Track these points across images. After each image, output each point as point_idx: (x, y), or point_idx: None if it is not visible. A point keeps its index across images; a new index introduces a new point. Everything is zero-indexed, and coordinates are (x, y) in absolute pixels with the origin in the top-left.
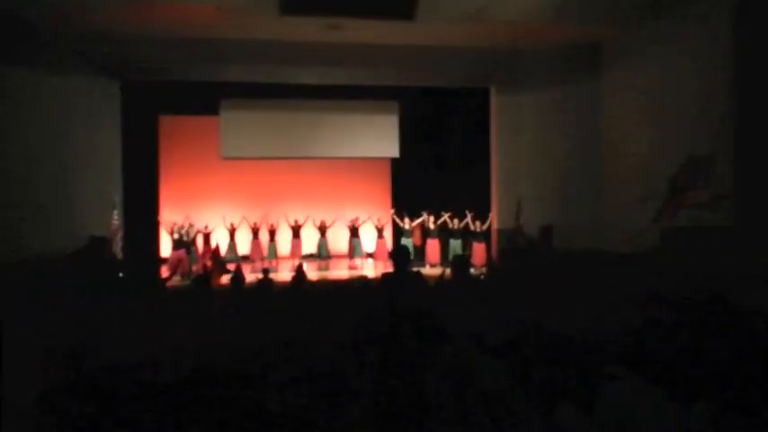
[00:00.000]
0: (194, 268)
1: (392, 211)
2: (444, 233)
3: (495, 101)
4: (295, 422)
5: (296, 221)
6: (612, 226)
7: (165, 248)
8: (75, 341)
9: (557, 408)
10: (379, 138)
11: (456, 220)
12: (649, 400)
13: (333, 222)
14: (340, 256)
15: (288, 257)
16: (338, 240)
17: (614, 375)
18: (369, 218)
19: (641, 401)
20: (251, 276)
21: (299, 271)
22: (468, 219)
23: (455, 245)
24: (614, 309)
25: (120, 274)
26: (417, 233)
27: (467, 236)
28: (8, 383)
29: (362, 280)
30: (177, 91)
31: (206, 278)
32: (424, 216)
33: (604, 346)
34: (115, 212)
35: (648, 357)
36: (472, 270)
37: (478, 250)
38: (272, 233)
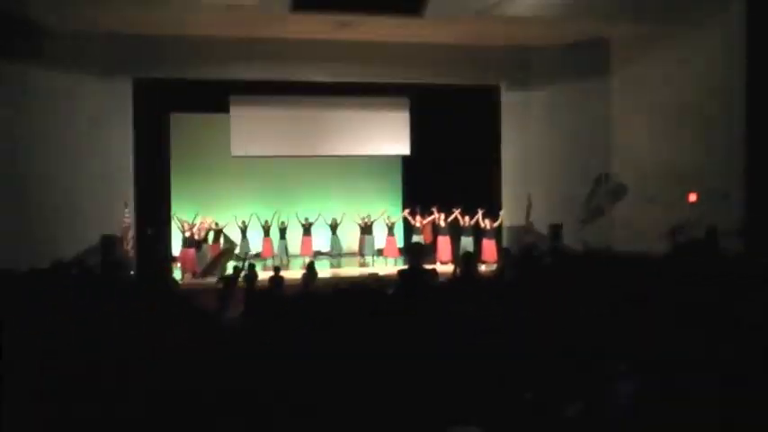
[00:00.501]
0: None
1: (407, 210)
2: (455, 230)
3: (504, 98)
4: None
5: (306, 219)
6: (620, 224)
7: (177, 246)
8: (80, 340)
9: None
10: (390, 135)
11: (467, 218)
12: (650, 400)
13: (341, 219)
14: (352, 254)
15: (299, 255)
16: (349, 238)
17: (618, 375)
18: (381, 214)
19: (643, 401)
20: (262, 274)
21: (310, 268)
22: (479, 216)
23: (466, 242)
24: (617, 308)
25: (132, 272)
26: (428, 230)
27: (477, 233)
28: (8, 383)
29: (375, 277)
30: (188, 89)
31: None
32: (435, 213)
33: (609, 345)
34: (126, 211)
35: (652, 357)
36: (483, 267)
37: (488, 247)
38: (283, 231)
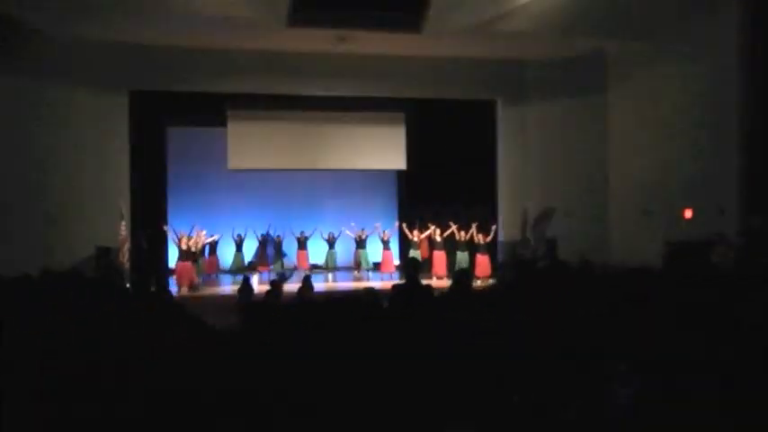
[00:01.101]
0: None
1: (404, 224)
2: (451, 245)
3: (500, 113)
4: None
5: (302, 233)
6: (615, 237)
7: (173, 259)
8: (80, 340)
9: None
10: (386, 149)
11: (462, 232)
12: (650, 400)
13: (339, 234)
14: (348, 268)
15: (295, 268)
16: (345, 252)
17: (618, 375)
18: (375, 229)
19: (643, 402)
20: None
21: (306, 281)
22: (473, 230)
23: (461, 257)
24: (617, 308)
25: (128, 285)
26: (425, 245)
27: (472, 248)
28: (8, 383)
29: (370, 291)
30: (185, 102)
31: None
32: (432, 228)
33: (609, 346)
34: (123, 223)
35: (652, 357)
36: (479, 282)
37: (482, 262)
38: (279, 244)
